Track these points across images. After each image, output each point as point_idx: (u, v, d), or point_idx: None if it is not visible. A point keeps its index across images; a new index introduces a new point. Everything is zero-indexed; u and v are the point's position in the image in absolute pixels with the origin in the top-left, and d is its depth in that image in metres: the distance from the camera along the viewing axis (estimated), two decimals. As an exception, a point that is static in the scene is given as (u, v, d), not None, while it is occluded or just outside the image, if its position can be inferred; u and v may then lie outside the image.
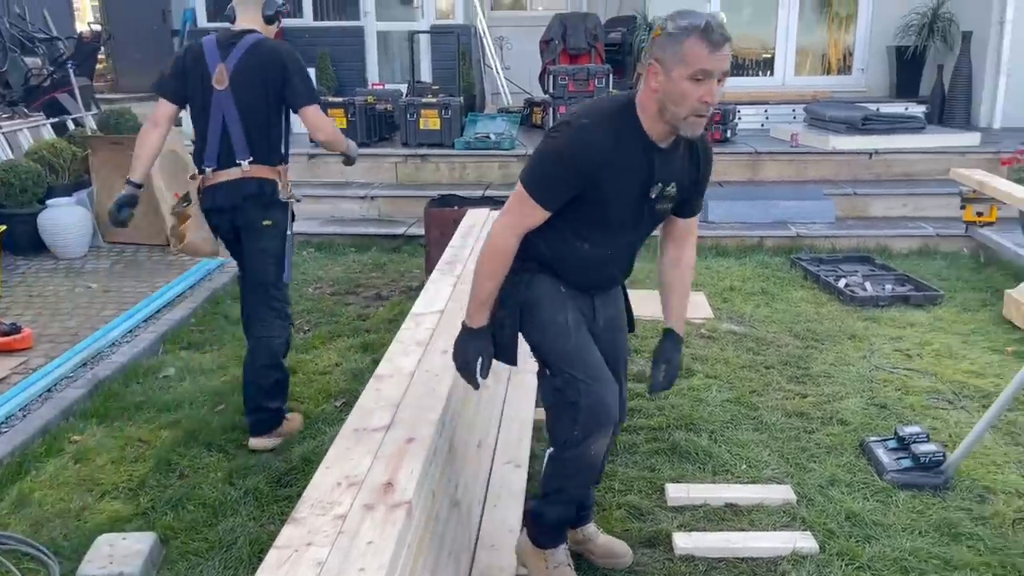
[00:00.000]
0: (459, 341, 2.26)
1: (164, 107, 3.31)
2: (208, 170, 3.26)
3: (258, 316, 3.36)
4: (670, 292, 2.45)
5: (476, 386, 2.27)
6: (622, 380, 2.44)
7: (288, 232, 3.35)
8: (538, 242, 2.20)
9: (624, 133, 2.08)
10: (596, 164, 2.05)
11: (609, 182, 2.08)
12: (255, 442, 3.35)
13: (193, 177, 3.34)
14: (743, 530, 2.80)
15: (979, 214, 3.42)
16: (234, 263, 3.69)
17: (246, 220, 3.28)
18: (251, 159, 3.24)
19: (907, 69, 8.76)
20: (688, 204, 2.33)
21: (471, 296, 2.22)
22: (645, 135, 2.09)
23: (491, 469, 2.91)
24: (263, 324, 3.34)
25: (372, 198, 6.77)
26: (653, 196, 2.17)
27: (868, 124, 7.25)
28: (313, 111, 3.29)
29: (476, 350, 2.22)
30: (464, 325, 2.25)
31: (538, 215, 2.12)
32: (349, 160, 3.67)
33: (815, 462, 3.24)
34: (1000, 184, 3.45)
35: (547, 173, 2.10)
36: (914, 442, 3.18)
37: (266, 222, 3.28)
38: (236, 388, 3.65)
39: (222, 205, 3.26)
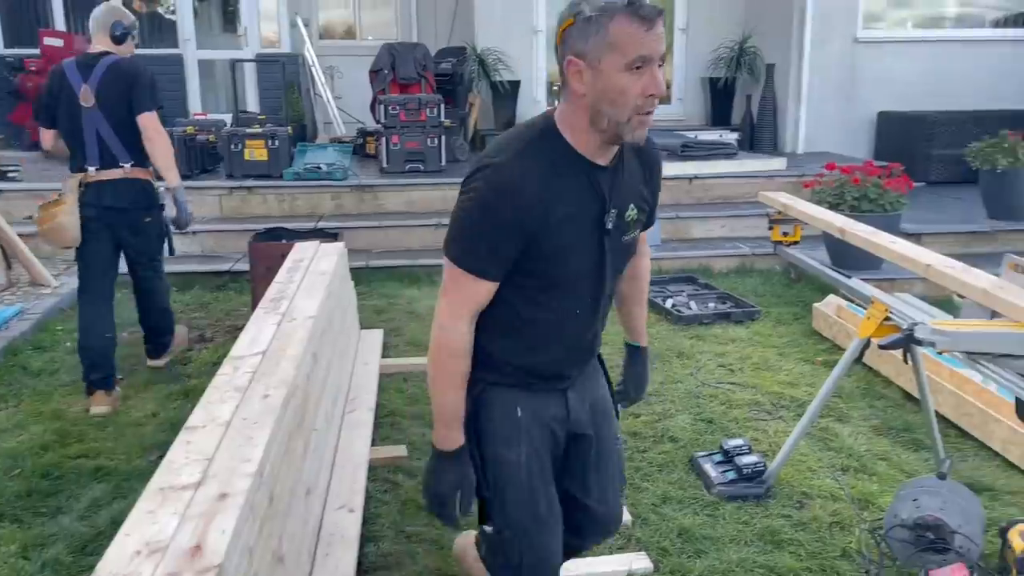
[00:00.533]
0: (430, 471, 1.85)
1: (45, 133, 3.89)
2: (91, 169, 3.76)
3: (148, 279, 4.20)
4: (630, 305, 2.18)
5: (456, 525, 1.92)
6: (614, 495, 2.11)
7: (163, 215, 4.07)
8: (484, 332, 1.80)
9: (555, 161, 1.69)
10: (530, 208, 1.65)
11: (553, 226, 1.68)
12: (154, 362, 4.45)
13: (73, 176, 3.78)
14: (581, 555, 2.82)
15: (785, 234, 3.64)
16: (31, 309, 3.70)
17: (130, 220, 3.90)
18: (132, 163, 3.81)
19: (720, 99, 9.33)
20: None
21: (434, 415, 1.82)
22: (580, 157, 1.71)
23: (322, 516, 2.78)
24: (157, 282, 4.24)
25: (194, 233, 6.44)
26: (610, 227, 1.78)
27: (687, 151, 7.65)
28: (150, 117, 3.76)
29: (452, 482, 1.82)
30: (434, 448, 1.84)
31: (483, 290, 1.73)
32: (181, 221, 4.12)
33: (648, 481, 3.32)
34: (802, 206, 3.69)
35: (475, 235, 1.69)
36: (737, 455, 3.32)
37: (147, 219, 3.97)
38: (34, 448, 3.32)
39: (109, 204, 3.80)
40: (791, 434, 3.26)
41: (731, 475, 3.26)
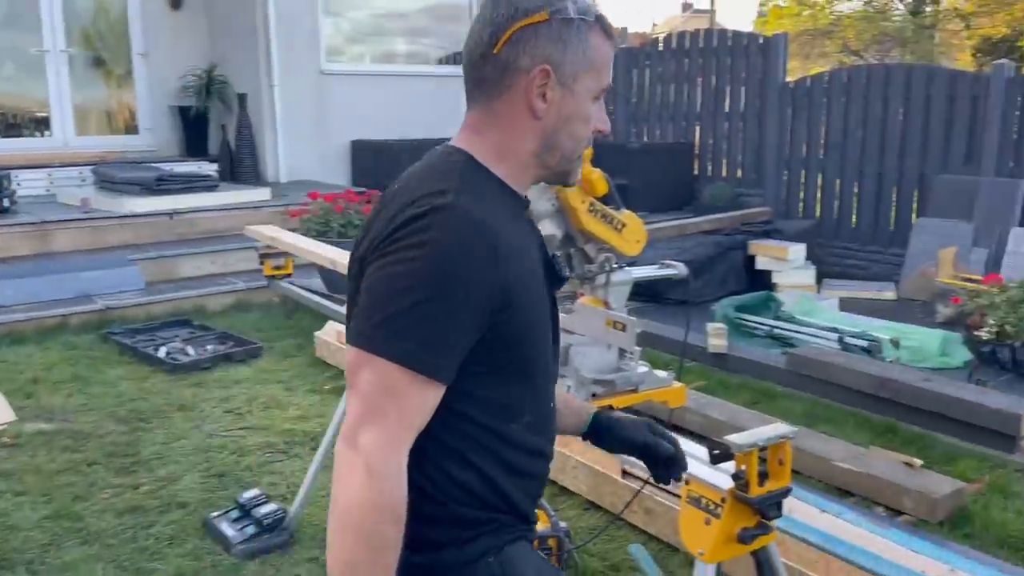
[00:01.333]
0: None
1: None
2: None
3: None
4: None
5: None
6: None
7: None
8: (447, 458, 1.22)
9: (500, 201, 1.27)
10: (506, 262, 1.18)
11: (523, 287, 1.23)
12: None
13: None
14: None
15: (277, 268, 3.53)
16: None
17: None
18: None
19: (193, 128, 8.92)
20: None
21: None
22: (515, 194, 1.31)
23: None
24: None
25: None
26: (565, 275, 1.41)
27: (163, 184, 7.13)
28: None
29: None
30: None
31: (432, 400, 1.16)
32: None
33: (159, 560, 2.93)
34: (289, 238, 3.62)
35: (428, 314, 1.13)
36: (255, 506, 3.12)
37: None
38: None
39: None
40: (308, 471, 3.16)
41: (251, 530, 3.04)
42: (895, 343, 5.13)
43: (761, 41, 8.73)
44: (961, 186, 7.22)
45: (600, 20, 1.27)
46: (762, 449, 1.75)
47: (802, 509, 2.95)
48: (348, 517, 1.10)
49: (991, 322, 4.19)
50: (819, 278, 7.45)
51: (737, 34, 9.05)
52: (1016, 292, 4.20)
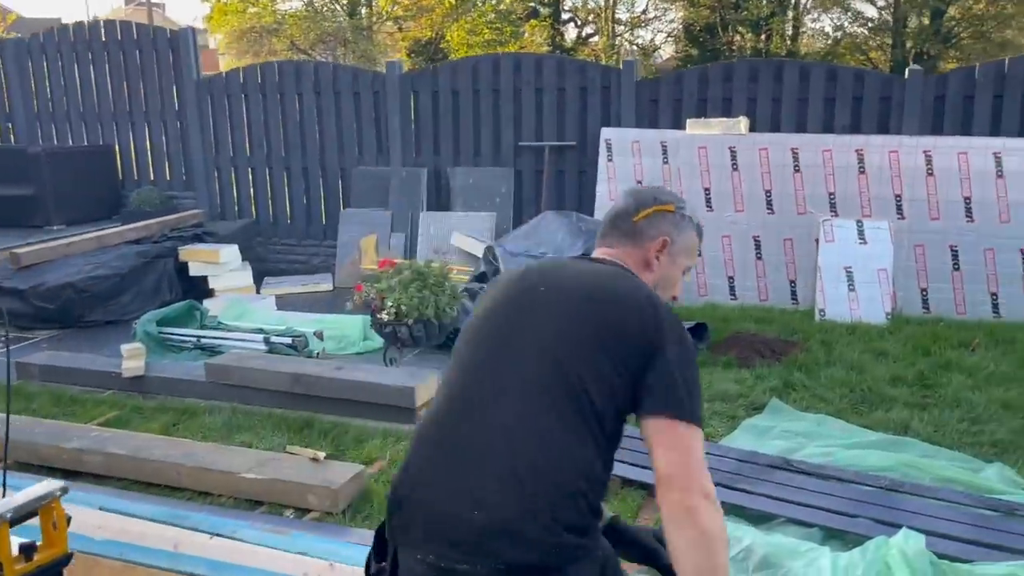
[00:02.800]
0: None
1: None
2: None
3: None
4: None
5: None
6: None
7: None
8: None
9: None
10: None
11: None
12: None
13: None
14: None
15: None
16: None
17: None
18: None
19: None
20: None
21: None
22: None
23: None
24: None
25: None
26: None
27: None
28: None
29: None
30: None
31: None
32: None
33: None
34: None
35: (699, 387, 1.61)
36: None
37: None
38: None
39: None
40: None
41: None
42: (319, 335, 5.24)
43: (169, 35, 8.27)
44: (376, 176, 7.74)
45: (698, 224, 1.88)
46: (24, 517, 1.45)
47: (191, 541, 2.73)
48: (721, 540, 1.46)
49: (388, 304, 4.47)
50: (259, 277, 7.38)
51: (142, 27, 8.48)
52: (407, 275, 4.54)
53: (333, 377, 4.18)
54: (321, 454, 3.51)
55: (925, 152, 6.13)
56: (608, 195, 6.71)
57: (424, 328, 4.46)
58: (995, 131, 6.31)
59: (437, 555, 1.44)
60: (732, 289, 6.45)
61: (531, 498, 1.42)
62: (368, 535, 2.97)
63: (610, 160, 6.78)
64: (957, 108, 6.42)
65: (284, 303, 6.62)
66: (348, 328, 5.51)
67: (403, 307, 4.45)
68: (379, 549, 1.65)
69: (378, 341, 5.25)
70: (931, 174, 6.11)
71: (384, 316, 4.51)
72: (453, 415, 1.56)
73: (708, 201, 6.51)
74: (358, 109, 7.84)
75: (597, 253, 1.83)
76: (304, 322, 5.61)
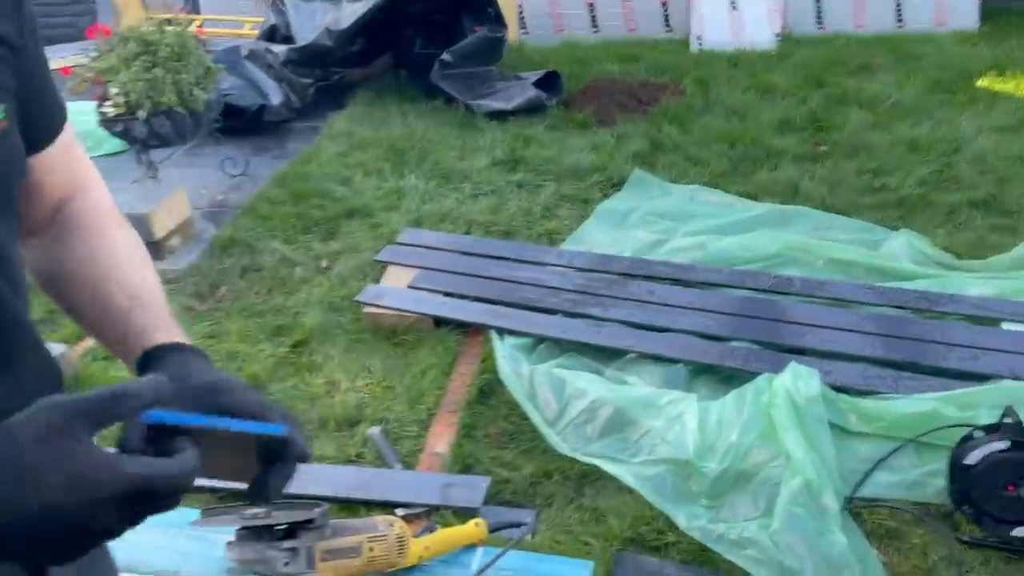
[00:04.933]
0: None
1: None
2: None
3: None
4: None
5: None
6: None
7: None
8: None
9: None
10: None
11: None
12: None
13: None
14: None
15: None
16: None
17: None
18: None
19: None
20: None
21: None
22: None
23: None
24: None
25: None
26: None
27: None
28: None
29: None
30: None
31: None
32: None
33: None
34: None
35: None
36: None
37: None
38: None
39: None
40: None
41: None
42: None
43: None
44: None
45: None
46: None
47: None
48: None
49: (113, 91, 3.24)
50: None
51: None
52: (132, 47, 3.26)
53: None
54: None
55: None
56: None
57: (169, 120, 3.27)
58: None
59: None
60: (593, 20, 5.29)
61: None
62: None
63: None
64: None
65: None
66: (94, 120, 4.20)
67: (131, 95, 3.21)
68: None
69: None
70: None
71: (110, 109, 3.27)
72: None
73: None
74: None
75: None
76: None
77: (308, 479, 2.09)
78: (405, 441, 2.24)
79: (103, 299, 0.77)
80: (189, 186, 3.47)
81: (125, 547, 1.72)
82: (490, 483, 2.04)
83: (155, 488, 0.55)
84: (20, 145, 0.69)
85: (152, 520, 0.57)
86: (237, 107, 3.95)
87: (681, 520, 1.93)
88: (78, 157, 0.81)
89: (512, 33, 4.80)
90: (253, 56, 4.20)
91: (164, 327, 0.75)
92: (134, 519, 0.56)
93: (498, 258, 2.90)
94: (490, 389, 2.39)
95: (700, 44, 4.95)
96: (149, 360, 0.71)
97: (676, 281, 2.74)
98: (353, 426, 2.30)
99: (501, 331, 2.53)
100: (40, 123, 0.74)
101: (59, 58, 5.72)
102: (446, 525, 1.81)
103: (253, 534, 1.65)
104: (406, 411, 2.33)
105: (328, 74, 4.62)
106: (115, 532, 0.56)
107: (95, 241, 0.79)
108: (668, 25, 5.24)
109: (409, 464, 2.16)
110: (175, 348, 0.73)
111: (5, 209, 0.67)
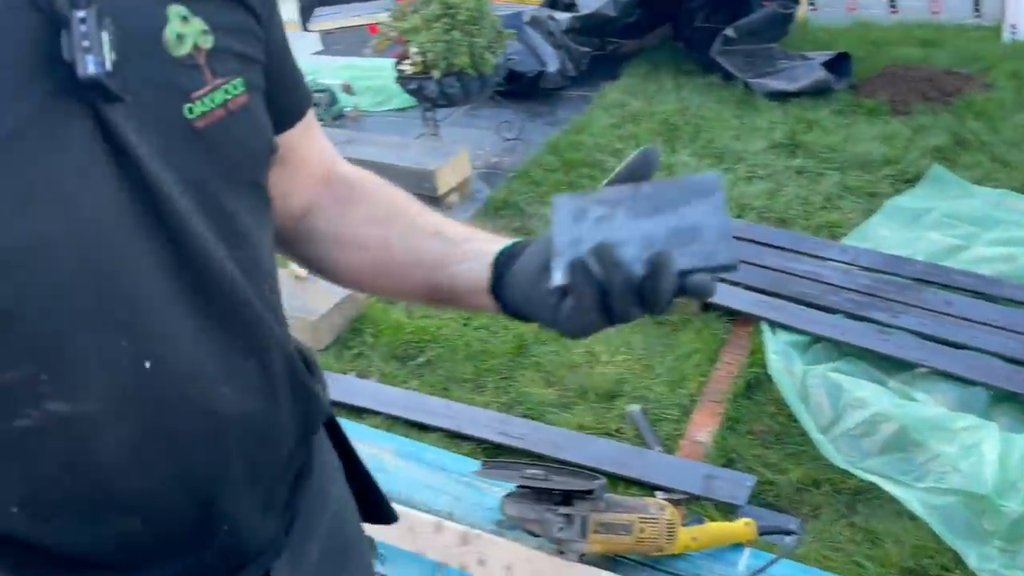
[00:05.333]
0: None
1: None
2: None
3: None
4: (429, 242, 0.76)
5: None
6: None
7: None
8: None
9: None
10: None
11: None
12: None
13: None
14: None
15: None
16: None
17: None
18: None
19: None
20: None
21: None
22: None
23: None
24: None
25: None
26: (94, 70, 0.51)
27: None
28: None
29: None
30: None
31: None
32: None
33: None
34: None
35: None
36: None
37: None
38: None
39: None
40: None
41: None
42: (347, 88, 4.27)
43: None
44: None
45: None
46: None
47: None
48: None
49: (412, 49, 3.42)
50: (311, 7, 6.31)
51: None
52: (434, 8, 3.41)
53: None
54: (303, 271, 2.71)
55: None
56: None
57: (459, 82, 3.40)
58: None
59: None
60: (892, -1, 4.87)
61: None
62: (362, 385, 2.25)
63: None
64: None
65: (332, 40, 5.60)
66: (388, 76, 4.48)
67: (429, 55, 3.37)
68: None
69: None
70: None
71: (407, 67, 3.46)
72: None
73: None
74: None
75: None
76: (337, 69, 4.61)
77: (567, 444, 2.11)
78: (664, 424, 2.20)
79: (416, 247, 0.75)
80: (467, 146, 3.60)
81: (403, 484, 1.82)
82: (755, 483, 1.95)
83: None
84: (264, 120, 0.65)
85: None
86: (516, 72, 4.04)
87: (972, 560, 1.74)
88: (320, 130, 0.80)
89: (799, 9, 4.53)
90: (535, 22, 4.26)
91: (494, 239, 0.72)
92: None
93: (773, 246, 2.76)
94: (757, 383, 2.28)
95: (1014, 34, 4.41)
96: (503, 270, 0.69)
97: (978, 294, 2.47)
98: (611, 399, 2.29)
99: (773, 324, 2.41)
100: (291, 99, 0.72)
101: (359, 16, 6.17)
102: (706, 517, 1.77)
103: (532, 494, 1.68)
104: (666, 393, 2.29)
105: (604, 43, 4.61)
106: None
107: (380, 198, 0.79)
108: (978, 10, 4.71)
109: (668, 448, 2.12)
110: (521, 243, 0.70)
111: (246, 186, 0.64)
